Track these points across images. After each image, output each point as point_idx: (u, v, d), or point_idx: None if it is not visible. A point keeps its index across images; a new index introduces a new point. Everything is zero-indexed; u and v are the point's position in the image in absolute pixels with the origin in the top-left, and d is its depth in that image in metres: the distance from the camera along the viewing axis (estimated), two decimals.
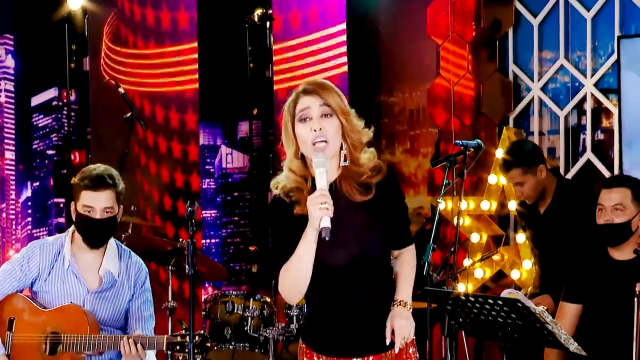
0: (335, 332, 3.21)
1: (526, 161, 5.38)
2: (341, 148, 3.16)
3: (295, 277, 3.11)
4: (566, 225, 5.24)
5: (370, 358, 3.21)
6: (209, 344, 4.16)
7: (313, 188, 3.10)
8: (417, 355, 3.30)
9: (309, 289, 3.15)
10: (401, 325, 3.16)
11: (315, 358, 3.25)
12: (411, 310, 3.24)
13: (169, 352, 4.66)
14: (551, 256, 5.38)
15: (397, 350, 3.19)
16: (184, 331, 4.26)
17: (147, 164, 7.85)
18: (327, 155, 3.12)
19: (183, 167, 7.65)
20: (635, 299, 4.07)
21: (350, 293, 3.18)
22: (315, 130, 3.11)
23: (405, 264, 3.32)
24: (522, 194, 5.39)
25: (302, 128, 3.14)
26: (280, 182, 3.20)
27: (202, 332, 4.20)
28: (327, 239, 2.99)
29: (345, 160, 3.17)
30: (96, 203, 4.31)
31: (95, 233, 4.36)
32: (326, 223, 3.00)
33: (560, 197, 5.35)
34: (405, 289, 3.27)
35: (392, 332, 3.16)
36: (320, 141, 3.11)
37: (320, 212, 2.99)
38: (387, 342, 3.16)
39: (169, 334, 4.92)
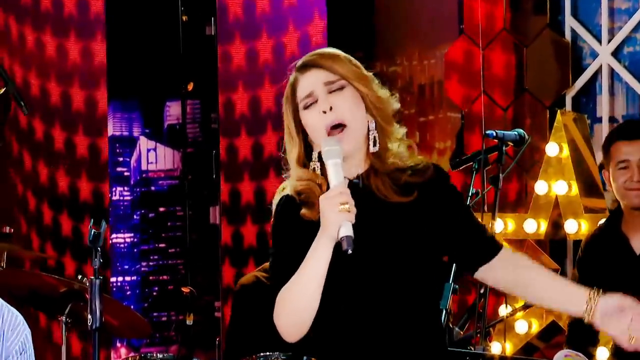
0: None
1: None
2: (369, 129, 3.41)
3: (297, 303, 3.32)
4: None
5: None
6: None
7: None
8: None
9: (317, 319, 3.35)
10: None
11: None
12: None
13: None
14: None
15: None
16: None
17: (35, 166, 7.82)
18: (352, 144, 3.37)
19: (91, 171, 7.59)
20: None
21: (375, 328, 3.35)
22: (324, 112, 3.35)
23: (532, 267, 3.48)
24: None
25: (309, 115, 3.39)
26: (288, 185, 3.46)
27: None
28: (349, 252, 3.19)
29: (375, 145, 3.40)
30: None
31: None
32: (348, 231, 3.20)
33: None
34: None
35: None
36: (335, 125, 3.34)
37: (339, 216, 3.20)
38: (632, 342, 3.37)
39: None
